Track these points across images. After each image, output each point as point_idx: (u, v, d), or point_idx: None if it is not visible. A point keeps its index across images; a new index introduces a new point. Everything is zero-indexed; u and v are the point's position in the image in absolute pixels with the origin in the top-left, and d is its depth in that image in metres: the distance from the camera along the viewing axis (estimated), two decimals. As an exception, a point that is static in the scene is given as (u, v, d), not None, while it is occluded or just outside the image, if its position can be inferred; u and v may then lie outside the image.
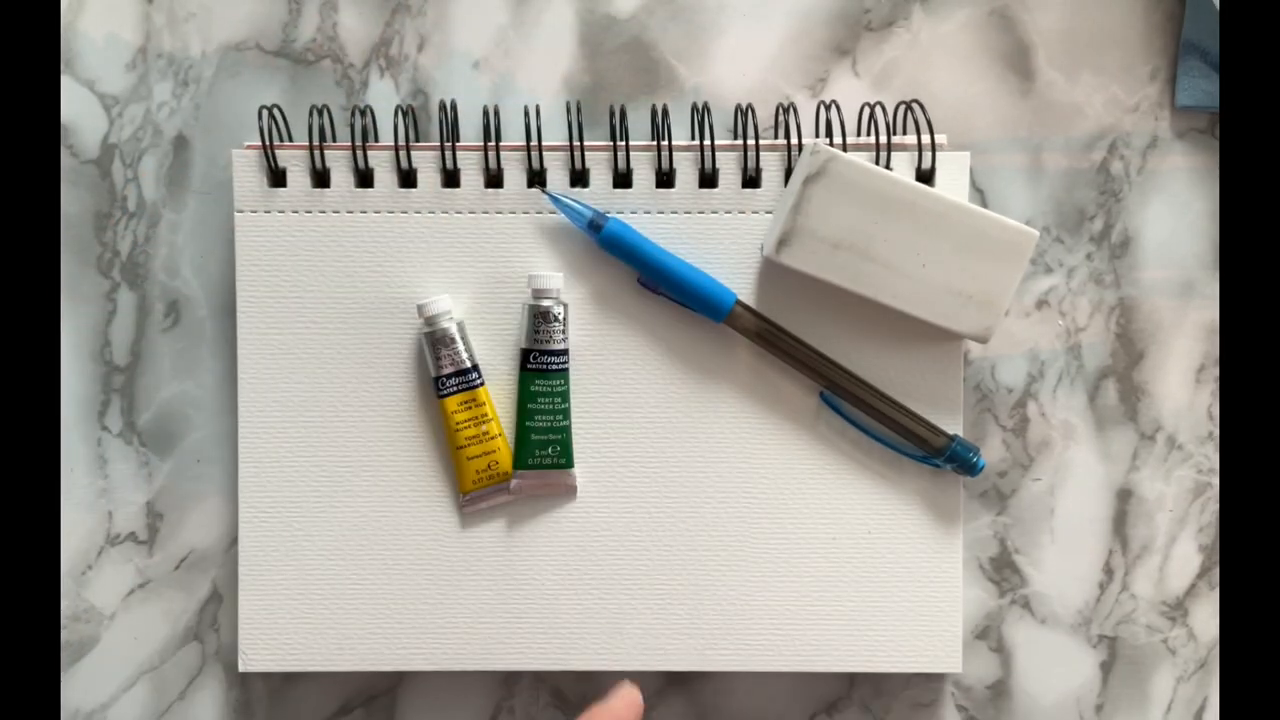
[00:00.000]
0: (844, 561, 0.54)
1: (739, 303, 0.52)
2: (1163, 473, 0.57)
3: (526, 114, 0.53)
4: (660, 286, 0.52)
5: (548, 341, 0.53)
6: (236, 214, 0.53)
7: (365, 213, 0.53)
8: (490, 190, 0.53)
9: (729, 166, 0.53)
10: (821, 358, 0.53)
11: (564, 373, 0.53)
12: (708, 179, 0.53)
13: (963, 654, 0.55)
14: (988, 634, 0.57)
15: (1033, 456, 0.57)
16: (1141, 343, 0.57)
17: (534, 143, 0.53)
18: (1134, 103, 0.57)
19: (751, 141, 0.53)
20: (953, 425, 0.54)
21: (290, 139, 0.55)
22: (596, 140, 0.55)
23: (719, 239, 0.53)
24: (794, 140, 0.53)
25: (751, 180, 0.54)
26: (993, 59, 0.57)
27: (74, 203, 0.57)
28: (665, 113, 0.53)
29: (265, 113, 0.53)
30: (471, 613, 0.54)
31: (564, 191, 0.53)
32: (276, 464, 0.54)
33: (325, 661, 0.54)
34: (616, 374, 0.54)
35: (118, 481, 0.57)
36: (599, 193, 0.53)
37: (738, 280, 0.53)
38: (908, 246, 0.51)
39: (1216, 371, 0.57)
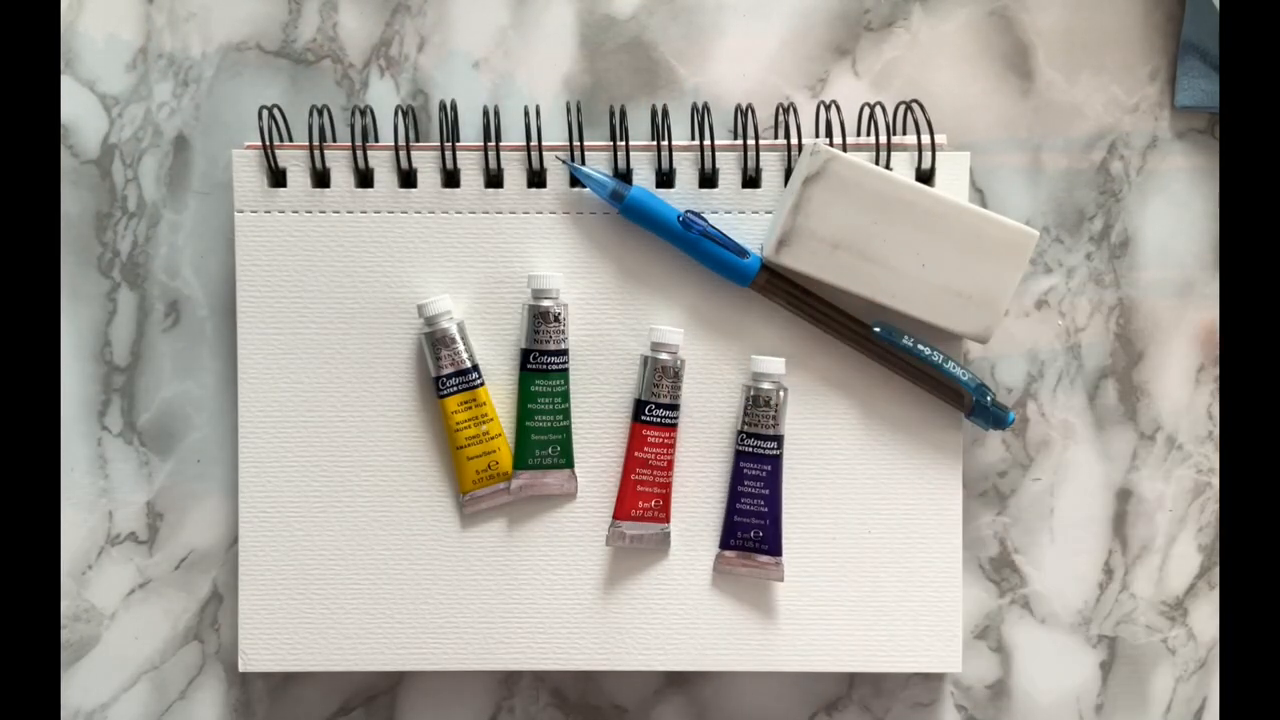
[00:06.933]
0: (844, 561, 0.54)
1: (765, 263, 0.52)
2: (1162, 472, 0.57)
3: (526, 114, 0.53)
4: (695, 229, 0.51)
5: (548, 341, 0.53)
6: (236, 214, 0.53)
7: (365, 213, 0.53)
8: (490, 190, 0.53)
9: (729, 166, 0.53)
10: (851, 318, 0.53)
11: (564, 373, 0.53)
12: (708, 179, 0.53)
13: (962, 654, 0.55)
14: (987, 634, 0.57)
15: (1032, 456, 0.57)
16: (1141, 343, 0.57)
17: (534, 143, 0.53)
18: (1133, 103, 0.57)
19: (751, 141, 0.53)
20: (953, 425, 0.54)
21: (290, 139, 0.55)
22: (596, 140, 0.55)
23: (719, 239, 0.53)
24: (794, 140, 0.53)
25: (751, 180, 0.54)
26: (992, 59, 0.57)
27: (74, 203, 0.57)
28: (665, 113, 0.53)
29: (265, 113, 0.53)
30: (471, 613, 0.54)
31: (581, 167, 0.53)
32: (276, 464, 0.54)
33: (325, 661, 0.54)
34: (616, 374, 0.54)
35: (118, 481, 0.57)
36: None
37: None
38: (907, 247, 0.51)
39: (1216, 371, 0.57)
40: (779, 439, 0.53)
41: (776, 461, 0.53)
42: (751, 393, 0.53)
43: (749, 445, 0.53)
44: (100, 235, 0.57)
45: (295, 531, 0.54)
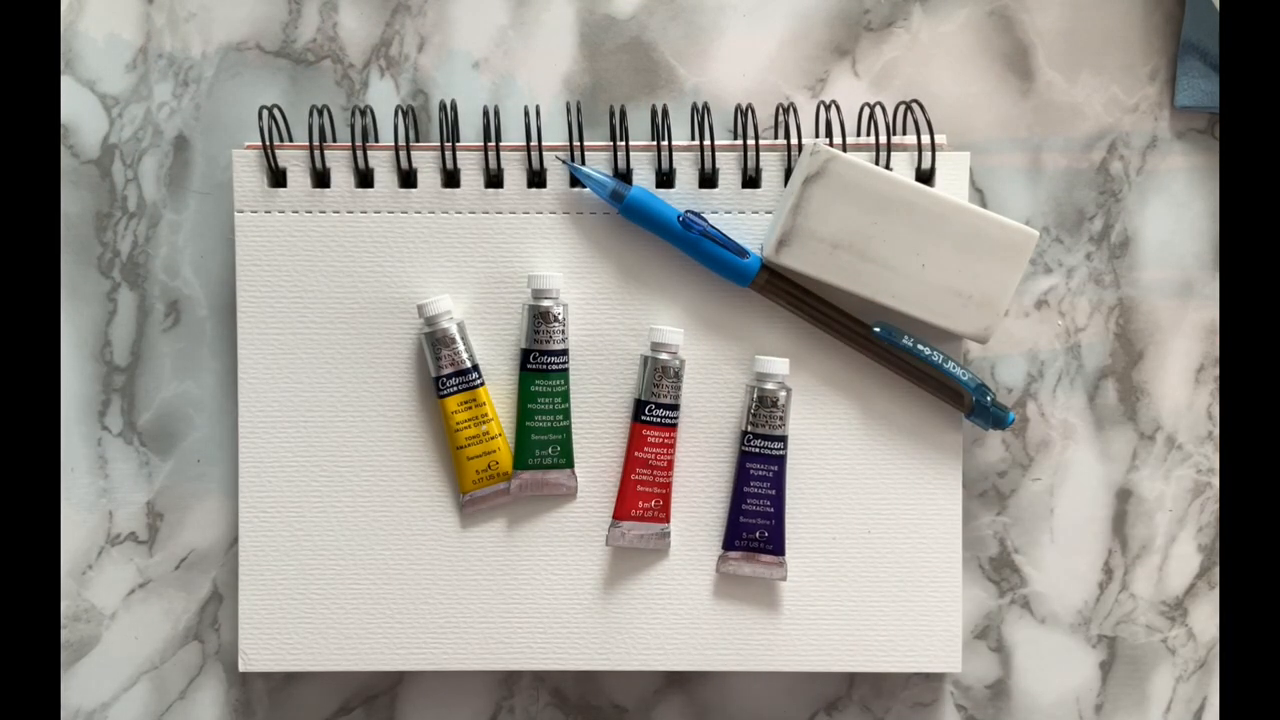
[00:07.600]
0: (844, 561, 0.54)
1: (765, 263, 0.52)
2: (1162, 472, 0.57)
3: (526, 114, 0.53)
4: (695, 229, 0.51)
5: (548, 341, 0.53)
6: (236, 214, 0.53)
7: (365, 213, 0.54)
8: (490, 190, 0.53)
9: (729, 166, 0.53)
10: (851, 318, 0.53)
11: (564, 373, 0.53)
12: (707, 179, 0.53)
13: (962, 654, 0.55)
14: (987, 634, 0.57)
15: (1032, 456, 0.57)
16: (1141, 343, 0.57)
17: (534, 143, 0.53)
18: (1133, 103, 0.57)
19: (751, 142, 0.53)
20: (953, 425, 0.54)
21: (290, 139, 0.55)
22: (596, 140, 0.55)
23: (719, 239, 0.53)
24: (794, 140, 0.53)
25: (751, 180, 0.54)
26: (992, 59, 0.57)
27: (74, 203, 0.57)
28: (665, 113, 0.53)
29: (265, 113, 0.53)
30: (471, 613, 0.54)
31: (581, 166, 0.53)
32: (276, 464, 0.54)
33: (325, 661, 0.54)
34: (616, 374, 0.54)
35: (118, 481, 0.57)
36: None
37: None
38: (907, 247, 0.51)
39: (1216, 371, 0.57)
40: (784, 439, 0.53)
41: (782, 461, 0.53)
42: (757, 393, 0.53)
43: (755, 446, 0.53)
44: (100, 235, 0.57)
45: (295, 531, 0.54)
